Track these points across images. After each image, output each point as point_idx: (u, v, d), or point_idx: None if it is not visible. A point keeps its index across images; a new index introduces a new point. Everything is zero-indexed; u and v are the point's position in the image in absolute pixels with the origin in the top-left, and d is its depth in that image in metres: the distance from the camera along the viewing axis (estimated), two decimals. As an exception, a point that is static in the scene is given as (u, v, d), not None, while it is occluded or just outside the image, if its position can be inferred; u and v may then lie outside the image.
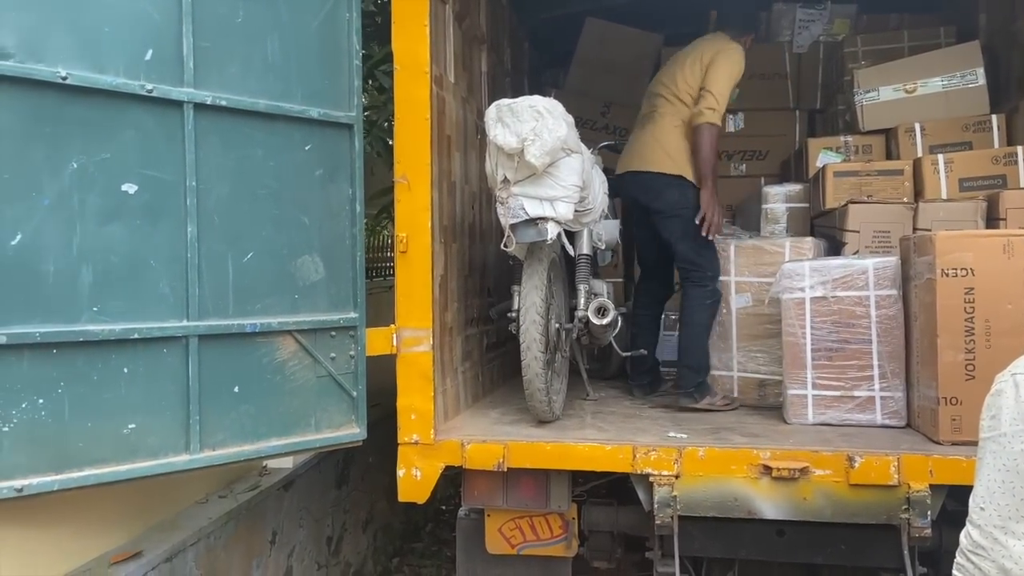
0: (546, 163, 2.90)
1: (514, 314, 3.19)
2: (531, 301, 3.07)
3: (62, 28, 2.38)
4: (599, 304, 3.28)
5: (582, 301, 3.34)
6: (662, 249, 3.79)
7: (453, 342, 3.47)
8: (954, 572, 1.52)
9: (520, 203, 2.97)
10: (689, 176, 3.60)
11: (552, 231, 2.99)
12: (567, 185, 2.99)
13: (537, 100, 2.90)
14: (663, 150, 3.64)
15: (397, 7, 2.91)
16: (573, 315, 3.38)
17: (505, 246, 3.05)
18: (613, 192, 3.87)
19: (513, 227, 3.02)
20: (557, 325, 3.34)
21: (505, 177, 2.98)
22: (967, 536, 1.50)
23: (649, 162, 3.68)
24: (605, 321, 3.27)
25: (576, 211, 3.09)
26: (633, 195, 3.81)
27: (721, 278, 3.70)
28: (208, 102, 2.64)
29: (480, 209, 4.01)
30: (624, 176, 3.79)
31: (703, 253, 3.62)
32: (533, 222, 2.99)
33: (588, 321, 3.30)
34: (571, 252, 3.30)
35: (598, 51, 5.46)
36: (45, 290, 2.36)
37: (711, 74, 3.59)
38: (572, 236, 3.29)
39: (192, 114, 2.61)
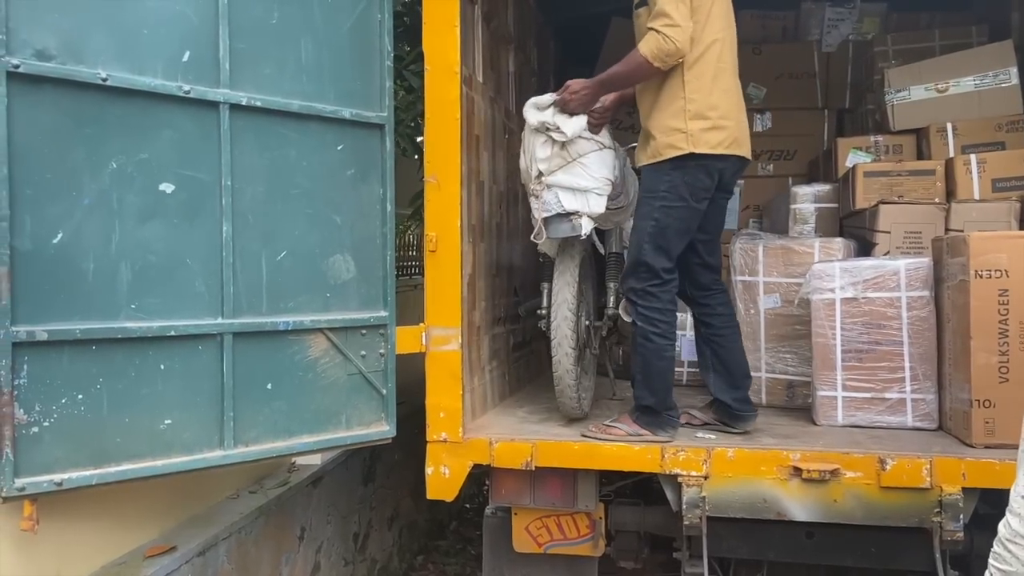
0: (577, 131, 2.95)
1: (544, 311, 3.21)
2: (563, 297, 3.09)
3: (102, 30, 2.42)
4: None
5: (612, 299, 3.34)
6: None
7: (481, 341, 3.49)
8: (991, 561, 1.51)
9: (555, 194, 3.01)
10: None
11: (586, 226, 3.02)
12: (598, 177, 3.02)
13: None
14: None
15: (428, 9, 2.93)
16: (602, 313, 3.39)
17: (535, 238, 3.07)
18: None
19: (546, 221, 3.04)
20: (587, 322, 3.34)
21: (539, 171, 3.02)
22: (1006, 525, 1.49)
23: (750, 150, 3.08)
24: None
25: (608, 208, 3.11)
26: (724, 181, 3.03)
27: (749, 278, 3.68)
28: (243, 103, 2.67)
29: (507, 208, 4.03)
30: (729, 160, 2.95)
31: None
32: (567, 217, 3.01)
33: (618, 319, 3.31)
34: (601, 250, 3.31)
35: (624, 51, 5.42)
36: (85, 287, 2.40)
37: None
38: (602, 235, 3.30)
39: (228, 114, 2.64)
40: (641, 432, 2.94)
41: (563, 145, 3.00)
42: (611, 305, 3.34)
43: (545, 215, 3.03)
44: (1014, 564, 1.46)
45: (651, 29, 2.78)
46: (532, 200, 3.08)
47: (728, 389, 3.09)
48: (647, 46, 2.80)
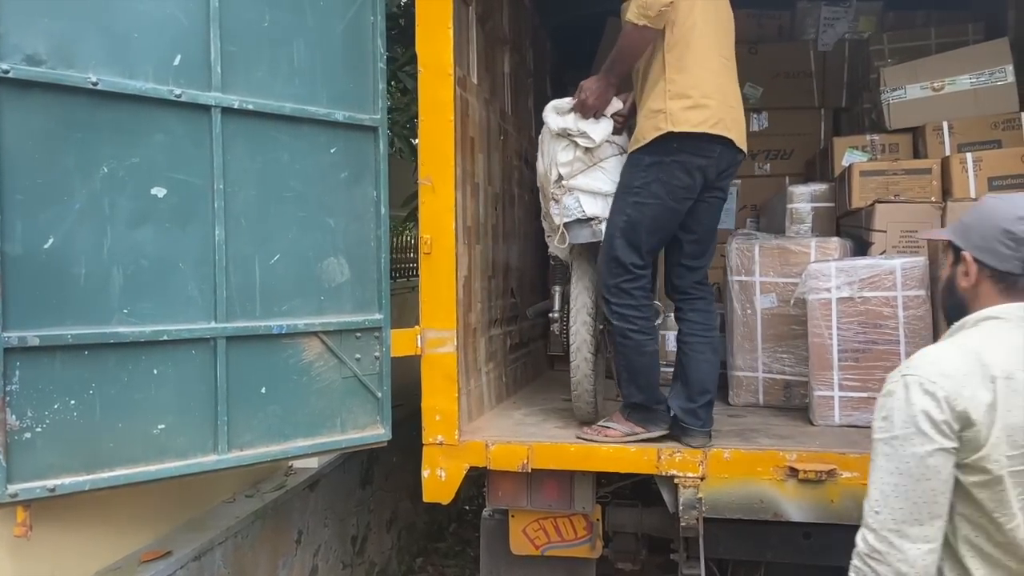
0: (604, 137, 2.96)
1: (555, 314, 3.21)
2: (582, 302, 3.10)
3: (92, 34, 2.41)
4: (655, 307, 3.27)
5: None
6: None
7: (477, 343, 3.48)
8: (850, 575, 1.51)
9: (576, 199, 3.02)
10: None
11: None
12: (617, 182, 3.01)
13: None
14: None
15: (421, 10, 2.92)
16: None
17: (559, 243, 3.09)
18: None
19: (567, 226, 3.06)
20: (602, 326, 3.34)
21: (559, 175, 3.03)
22: (863, 540, 1.49)
23: (743, 140, 2.92)
24: (657, 322, 3.26)
25: None
26: (711, 179, 2.88)
27: (745, 278, 3.67)
28: (235, 106, 2.66)
29: (503, 210, 4.02)
30: (712, 152, 2.81)
31: None
32: (587, 222, 3.03)
33: None
34: None
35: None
36: (77, 292, 2.39)
37: None
38: None
39: (220, 118, 2.63)
40: (636, 430, 2.92)
41: (586, 149, 3.01)
42: None
43: (566, 220, 3.04)
44: None
45: None
46: (552, 204, 3.08)
47: (679, 398, 2.93)
48: (628, 12, 2.74)
